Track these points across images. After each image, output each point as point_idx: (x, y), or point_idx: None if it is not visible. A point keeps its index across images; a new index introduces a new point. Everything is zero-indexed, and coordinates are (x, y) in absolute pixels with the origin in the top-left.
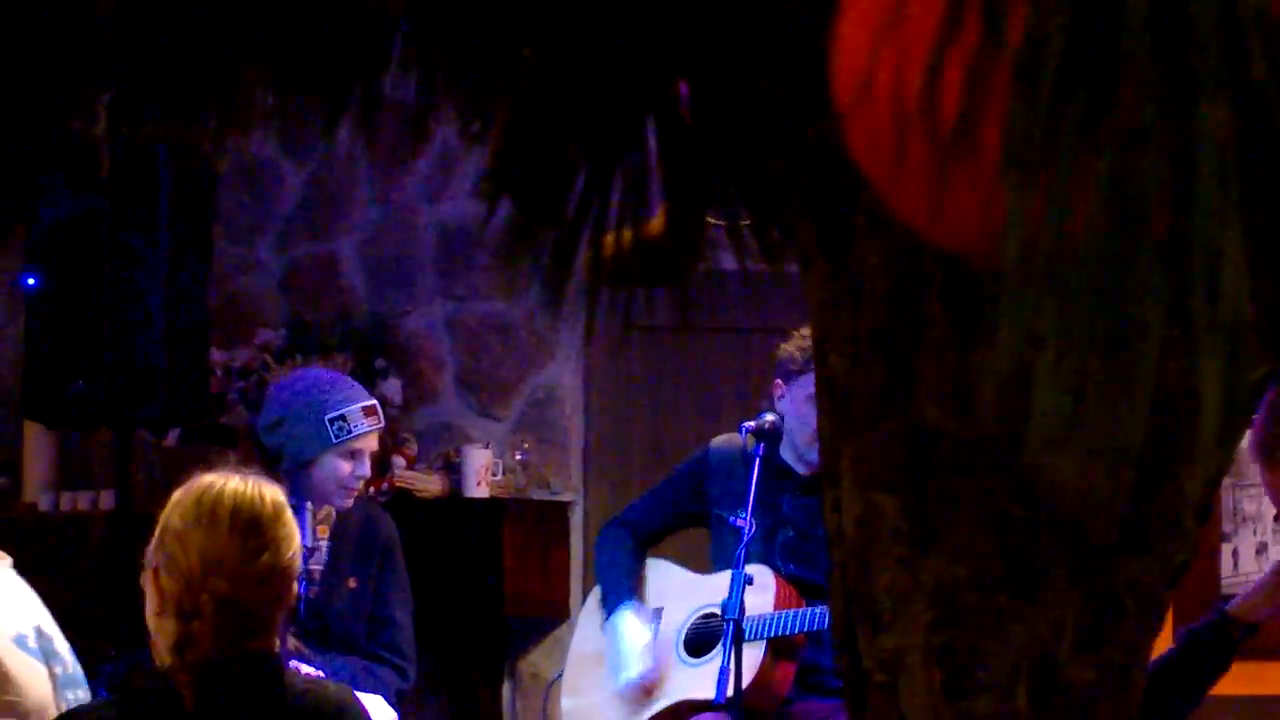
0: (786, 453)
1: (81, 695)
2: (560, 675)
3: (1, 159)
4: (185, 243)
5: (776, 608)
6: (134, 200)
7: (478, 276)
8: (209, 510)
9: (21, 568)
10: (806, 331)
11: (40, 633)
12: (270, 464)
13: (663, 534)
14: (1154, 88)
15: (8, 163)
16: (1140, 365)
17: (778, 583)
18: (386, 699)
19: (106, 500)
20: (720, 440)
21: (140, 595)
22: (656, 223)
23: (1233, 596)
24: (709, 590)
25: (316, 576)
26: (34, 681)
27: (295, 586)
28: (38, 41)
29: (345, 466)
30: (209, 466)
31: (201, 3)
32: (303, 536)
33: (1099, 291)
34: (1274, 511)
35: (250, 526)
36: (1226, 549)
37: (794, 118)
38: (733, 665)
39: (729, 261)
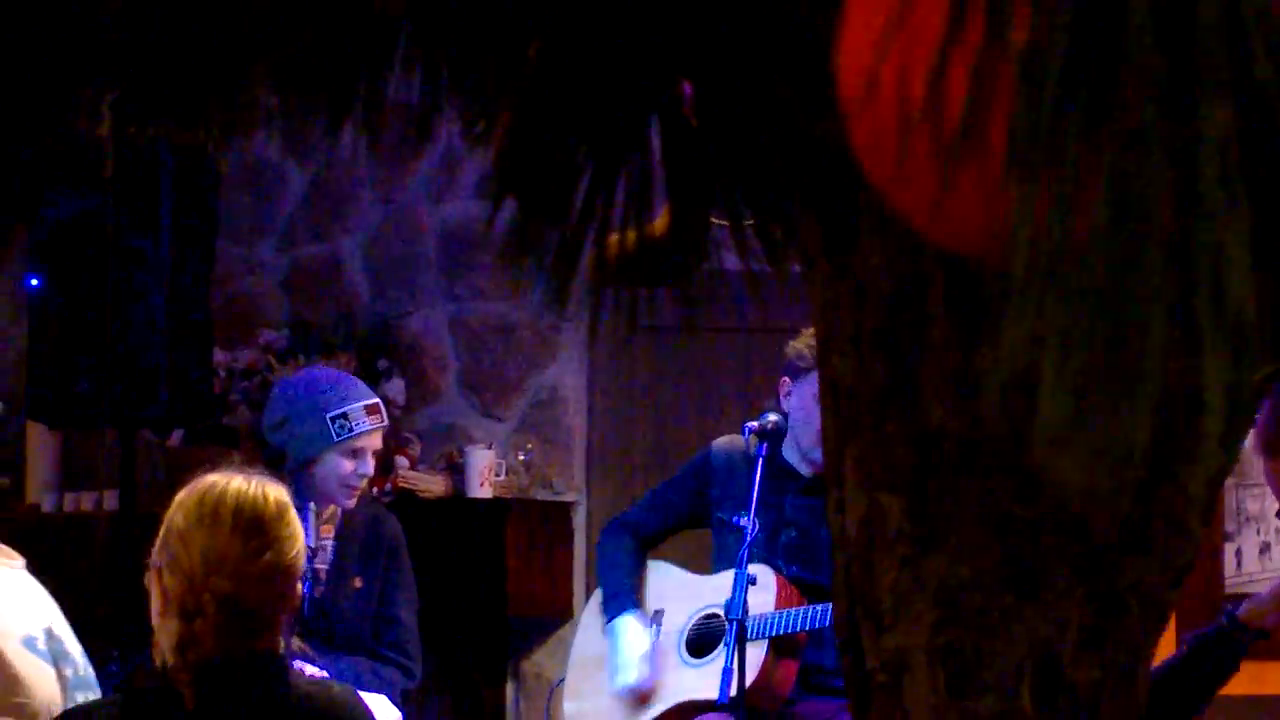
0: (789, 453)
1: (92, 698)
2: (562, 680)
3: (5, 159)
4: (188, 243)
5: (778, 607)
6: (137, 201)
7: (481, 277)
8: (211, 509)
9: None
10: None
11: (51, 635)
12: (275, 464)
13: (664, 535)
14: (1157, 88)
15: (11, 163)
16: (1144, 365)
17: (779, 582)
18: (391, 699)
19: (110, 501)
20: (722, 441)
21: (144, 596)
22: (660, 223)
23: (1238, 597)
24: (710, 591)
25: (322, 576)
26: (42, 683)
27: (299, 586)
28: (41, 42)
29: (347, 465)
30: (213, 466)
31: (204, 4)
32: (306, 537)
33: (1103, 291)
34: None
35: (252, 526)
36: (1230, 549)
37: (798, 117)
38: (736, 665)
39: (732, 261)
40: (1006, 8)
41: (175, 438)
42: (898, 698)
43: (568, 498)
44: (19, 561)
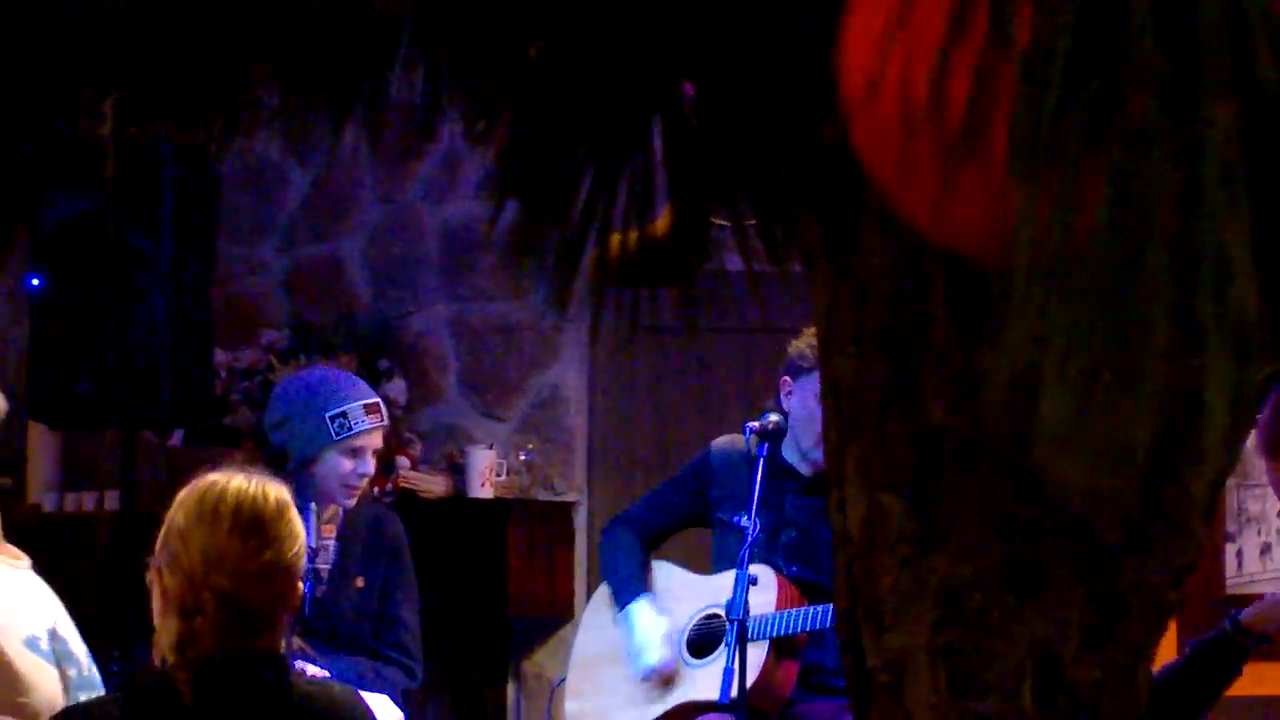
0: (789, 453)
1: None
2: (563, 680)
3: (6, 159)
4: (189, 243)
5: (779, 608)
6: (138, 201)
7: (482, 277)
8: (211, 508)
9: None
10: None
11: (54, 635)
12: (276, 464)
13: (664, 535)
14: (1159, 88)
15: (12, 163)
16: (1146, 365)
17: (780, 582)
18: (393, 699)
19: (111, 501)
20: (722, 441)
21: (145, 596)
22: (662, 223)
23: (1239, 598)
24: (711, 591)
25: (324, 576)
26: (43, 683)
27: (299, 585)
28: (42, 42)
29: (347, 464)
30: (215, 466)
31: (206, 4)
32: (308, 537)
33: (1104, 291)
34: (1278, 509)
35: (252, 524)
36: (1231, 549)
37: (799, 118)
38: (737, 666)
39: (734, 262)
40: (1008, 8)
41: (176, 438)
42: (899, 698)
43: (569, 498)
44: (25, 561)
